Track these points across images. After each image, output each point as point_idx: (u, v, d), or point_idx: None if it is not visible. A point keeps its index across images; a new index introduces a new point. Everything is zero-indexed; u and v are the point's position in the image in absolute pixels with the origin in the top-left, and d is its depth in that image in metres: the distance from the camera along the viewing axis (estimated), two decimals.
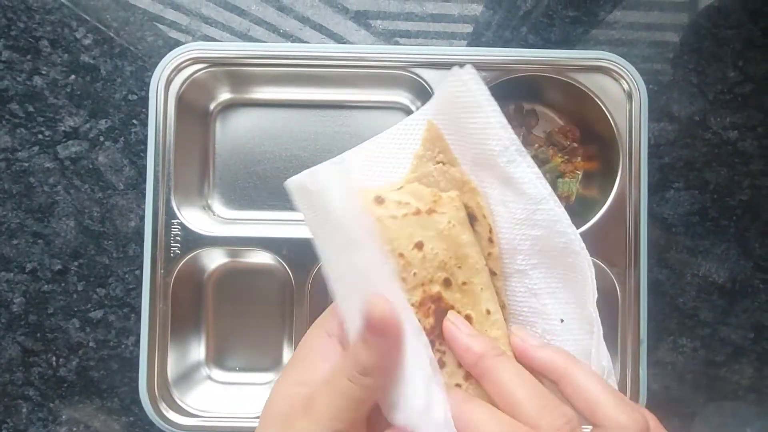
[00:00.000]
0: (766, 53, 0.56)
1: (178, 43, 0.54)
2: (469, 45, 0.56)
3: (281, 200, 0.55)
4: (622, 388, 0.51)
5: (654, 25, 0.57)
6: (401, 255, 0.32)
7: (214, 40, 0.55)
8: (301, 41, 0.56)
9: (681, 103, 0.56)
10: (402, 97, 0.55)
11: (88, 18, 0.54)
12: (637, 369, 0.50)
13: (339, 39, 0.56)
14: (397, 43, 0.56)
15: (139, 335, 0.50)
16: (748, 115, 0.56)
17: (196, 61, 0.50)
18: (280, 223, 0.54)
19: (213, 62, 0.50)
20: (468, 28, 0.56)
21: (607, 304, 0.52)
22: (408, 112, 0.55)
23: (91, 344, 0.55)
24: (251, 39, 0.55)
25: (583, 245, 0.33)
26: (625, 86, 0.51)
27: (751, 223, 0.56)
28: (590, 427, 0.30)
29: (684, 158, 0.56)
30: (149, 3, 0.55)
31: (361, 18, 0.56)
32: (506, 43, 0.56)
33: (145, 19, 0.55)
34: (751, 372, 0.56)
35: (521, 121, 0.56)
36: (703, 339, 0.56)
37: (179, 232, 0.50)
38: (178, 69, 0.50)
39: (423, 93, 0.52)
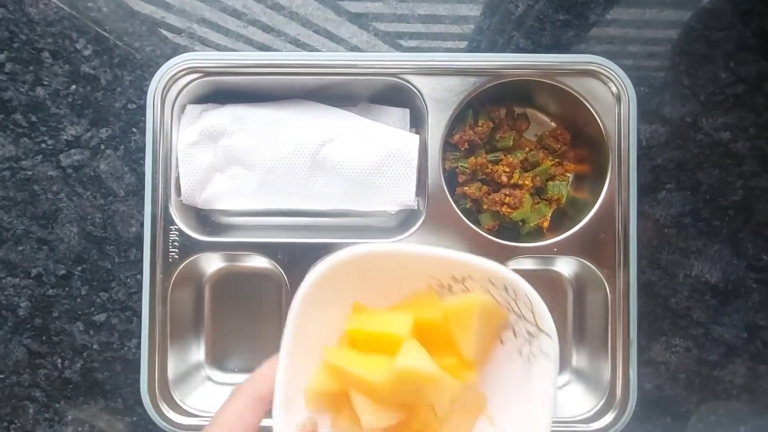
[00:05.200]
0: (758, 54, 0.56)
1: (177, 52, 0.55)
2: (461, 50, 0.57)
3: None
4: (612, 388, 0.51)
5: (645, 26, 0.57)
6: None
7: (214, 46, 0.56)
8: (304, 45, 0.56)
9: (673, 105, 0.57)
10: (396, 104, 0.56)
11: (88, 28, 0.56)
12: (627, 369, 0.51)
13: (338, 41, 0.56)
14: (395, 45, 0.57)
15: (141, 338, 0.52)
16: (740, 116, 0.56)
17: (192, 70, 0.51)
18: (276, 228, 0.55)
19: (208, 72, 0.52)
20: (461, 31, 0.57)
21: (597, 306, 0.53)
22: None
23: (95, 346, 0.56)
24: (252, 44, 0.56)
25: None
26: (614, 89, 0.51)
27: (744, 224, 0.57)
28: None
29: (676, 159, 0.57)
30: (152, 10, 0.56)
31: (358, 20, 0.57)
32: (499, 48, 0.56)
33: (144, 28, 0.56)
34: (745, 371, 0.57)
35: (512, 125, 0.56)
36: (696, 339, 0.57)
37: (177, 238, 0.52)
38: (174, 78, 0.51)
39: (415, 100, 0.53)
